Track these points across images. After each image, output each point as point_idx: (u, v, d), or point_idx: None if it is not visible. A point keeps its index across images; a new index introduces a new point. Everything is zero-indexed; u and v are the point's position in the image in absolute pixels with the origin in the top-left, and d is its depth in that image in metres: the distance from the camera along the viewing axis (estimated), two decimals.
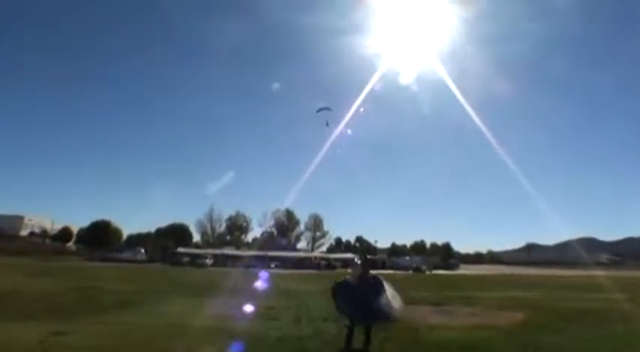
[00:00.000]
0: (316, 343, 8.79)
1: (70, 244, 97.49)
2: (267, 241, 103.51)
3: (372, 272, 9.02)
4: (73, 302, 14.98)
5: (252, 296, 18.36)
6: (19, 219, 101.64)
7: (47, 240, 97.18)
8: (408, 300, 17.76)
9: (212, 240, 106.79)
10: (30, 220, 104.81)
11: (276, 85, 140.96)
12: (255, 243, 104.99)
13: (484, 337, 9.49)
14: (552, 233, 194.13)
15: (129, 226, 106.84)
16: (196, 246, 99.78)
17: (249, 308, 14.30)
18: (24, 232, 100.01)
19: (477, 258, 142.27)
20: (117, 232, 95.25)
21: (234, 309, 13.95)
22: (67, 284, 21.55)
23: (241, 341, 8.89)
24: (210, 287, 23.16)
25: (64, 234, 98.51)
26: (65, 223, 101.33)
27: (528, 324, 11.45)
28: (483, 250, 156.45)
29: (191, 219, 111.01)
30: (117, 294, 17.74)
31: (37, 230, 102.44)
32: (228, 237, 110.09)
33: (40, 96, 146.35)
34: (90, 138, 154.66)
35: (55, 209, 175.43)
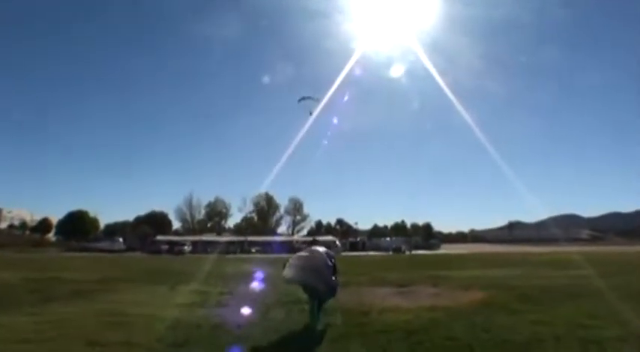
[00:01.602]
0: (256, 331, 8.32)
1: (50, 235, 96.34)
2: (248, 226, 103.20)
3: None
4: (24, 293, 14.36)
5: (215, 282, 17.93)
6: None
7: (27, 232, 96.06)
8: (373, 282, 17.71)
9: (193, 226, 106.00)
10: (9, 212, 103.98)
11: (265, 79, 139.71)
12: (237, 228, 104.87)
13: (434, 319, 9.07)
14: (534, 210, 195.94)
15: (109, 216, 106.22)
16: (176, 233, 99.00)
17: (203, 295, 13.93)
18: (3, 225, 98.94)
19: (460, 237, 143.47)
20: (94, 222, 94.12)
21: (188, 297, 13.54)
22: (27, 275, 20.83)
23: (175, 329, 8.52)
24: (177, 274, 22.60)
25: (44, 225, 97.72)
26: (45, 215, 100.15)
27: (486, 304, 11.04)
28: (466, 229, 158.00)
29: (171, 207, 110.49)
30: (74, 284, 17.12)
31: (16, 222, 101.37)
32: (209, 224, 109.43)
33: (15, 89, 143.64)
34: (69, 129, 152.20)
35: (35, 201, 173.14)
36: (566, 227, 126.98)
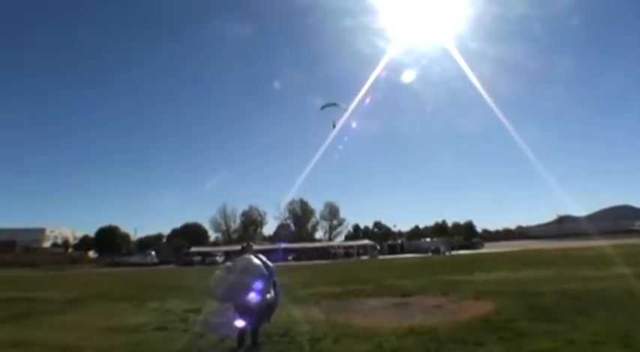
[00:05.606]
0: None
1: (91, 252, 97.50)
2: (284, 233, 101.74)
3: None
4: None
5: (199, 297, 15.69)
6: (41, 231, 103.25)
7: (69, 250, 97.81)
8: (375, 292, 15.15)
9: (229, 236, 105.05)
10: (52, 232, 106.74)
11: (277, 85, 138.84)
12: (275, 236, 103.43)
13: (397, 350, 6.65)
14: (585, 203, 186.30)
15: (146, 230, 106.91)
16: (215, 244, 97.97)
17: (160, 314, 11.93)
18: (46, 244, 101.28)
19: (506, 235, 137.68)
20: (125, 236, 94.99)
21: (139, 317, 11.61)
22: (7, 295, 19.51)
23: None
24: (168, 289, 20.63)
25: (84, 242, 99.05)
26: (86, 232, 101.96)
27: (487, 322, 8.26)
28: (513, 226, 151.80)
29: (206, 218, 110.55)
30: (35, 304, 15.59)
31: (59, 241, 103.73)
32: (248, 232, 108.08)
33: (48, 108, 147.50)
34: (103, 147, 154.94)
35: (77, 219, 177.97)
36: (619, 218, 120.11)
